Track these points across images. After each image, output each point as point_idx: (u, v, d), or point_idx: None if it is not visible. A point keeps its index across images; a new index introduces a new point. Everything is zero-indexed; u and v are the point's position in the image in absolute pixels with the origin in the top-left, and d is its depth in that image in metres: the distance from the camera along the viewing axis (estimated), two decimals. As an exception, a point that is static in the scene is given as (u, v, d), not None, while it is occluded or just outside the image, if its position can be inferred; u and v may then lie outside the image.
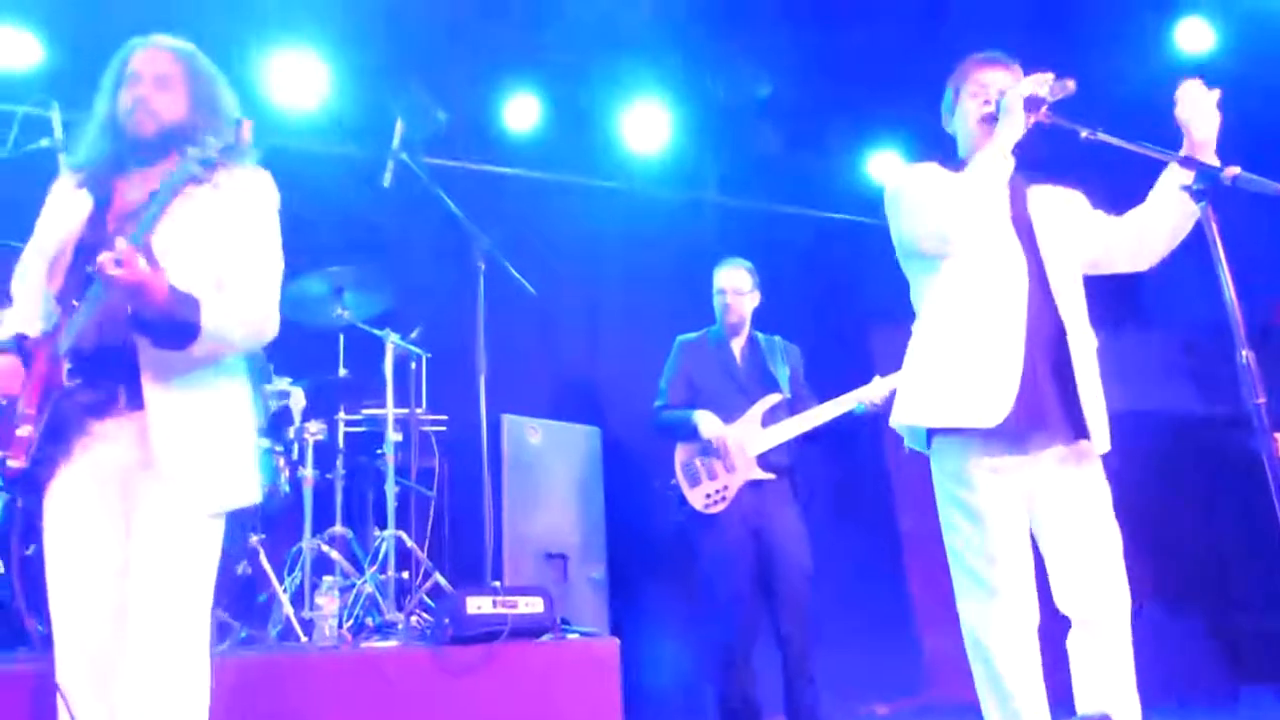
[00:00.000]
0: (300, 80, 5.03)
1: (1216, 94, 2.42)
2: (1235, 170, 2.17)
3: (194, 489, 2.13)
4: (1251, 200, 2.14)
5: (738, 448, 4.04)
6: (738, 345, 4.30)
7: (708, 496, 4.01)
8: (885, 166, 6.00)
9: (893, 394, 3.98)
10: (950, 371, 2.53)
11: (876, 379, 4.07)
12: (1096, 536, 2.49)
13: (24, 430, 2.06)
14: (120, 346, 2.11)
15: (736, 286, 4.28)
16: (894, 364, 4.16)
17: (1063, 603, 2.49)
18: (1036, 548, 2.55)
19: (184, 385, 2.15)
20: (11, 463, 2.06)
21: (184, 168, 2.06)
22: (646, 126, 5.66)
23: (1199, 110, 2.41)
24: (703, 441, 4.06)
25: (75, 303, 2.08)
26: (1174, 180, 2.47)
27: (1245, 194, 2.14)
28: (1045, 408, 2.47)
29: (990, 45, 2.76)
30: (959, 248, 2.53)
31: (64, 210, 2.27)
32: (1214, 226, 2.14)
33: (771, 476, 4.04)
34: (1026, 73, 2.56)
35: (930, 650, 5.42)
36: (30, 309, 2.26)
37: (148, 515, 2.10)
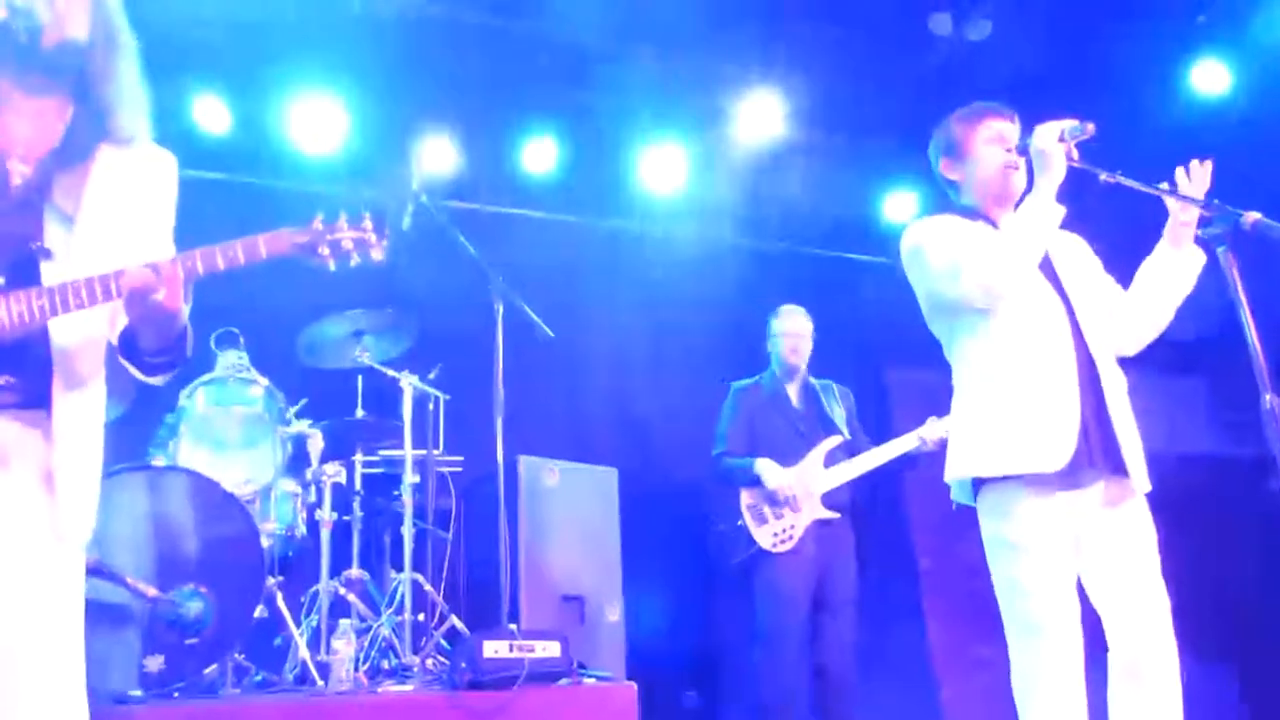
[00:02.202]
0: (321, 125, 5.11)
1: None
2: (1255, 216, 2.17)
3: (83, 511, 1.79)
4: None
5: (803, 488, 4.12)
6: (793, 390, 4.40)
7: (775, 535, 4.08)
8: (901, 211, 6.04)
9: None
10: (1008, 420, 2.50)
11: (931, 419, 4.14)
12: (1140, 580, 2.45)
13: None
14: (37, 336, 1.76)
15: (800, 331, 4.40)
16: (910, 404, 4.22)
17: (1111, 650, 2.46)
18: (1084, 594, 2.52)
19: (85, 391, 1.83)
20: None
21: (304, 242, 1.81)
22: (664, 168, 5.70)
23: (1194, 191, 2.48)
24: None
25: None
26: (1163, 260, 2.57)
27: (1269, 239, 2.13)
28: (1093, 448, 2.46)
29: (1008, 89, 2.78)
30: (1006, 300, 2.52)
31: None
32: (1235, 271, 2.14)
33: (837, 515, 4.14)
34: (1044, 119, 2.56)
35: (948, 695, 5.34)
36: None
37: (29, 538, 1.73)
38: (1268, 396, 2.02)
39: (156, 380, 1.95)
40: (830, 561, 4.11)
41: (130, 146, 1.94)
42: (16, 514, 1.74)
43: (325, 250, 1.83)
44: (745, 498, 4.17)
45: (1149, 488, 2.53)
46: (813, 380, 4.44)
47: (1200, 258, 2.56)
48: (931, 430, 4.12)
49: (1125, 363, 2.64)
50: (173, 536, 3.30)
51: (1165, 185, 2.51)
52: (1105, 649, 2.47)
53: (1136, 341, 2.66)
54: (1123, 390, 2.56)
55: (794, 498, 4.09)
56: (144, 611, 3.17)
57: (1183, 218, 2.54)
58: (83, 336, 1.84)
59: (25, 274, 1.75)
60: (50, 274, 1.76)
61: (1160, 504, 2.57)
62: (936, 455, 3.83)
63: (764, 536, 4.09)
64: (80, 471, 1.81)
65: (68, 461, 1.78)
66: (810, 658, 4.08)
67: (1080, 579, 2.50)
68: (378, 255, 1.88)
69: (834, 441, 4.24)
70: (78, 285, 1.73)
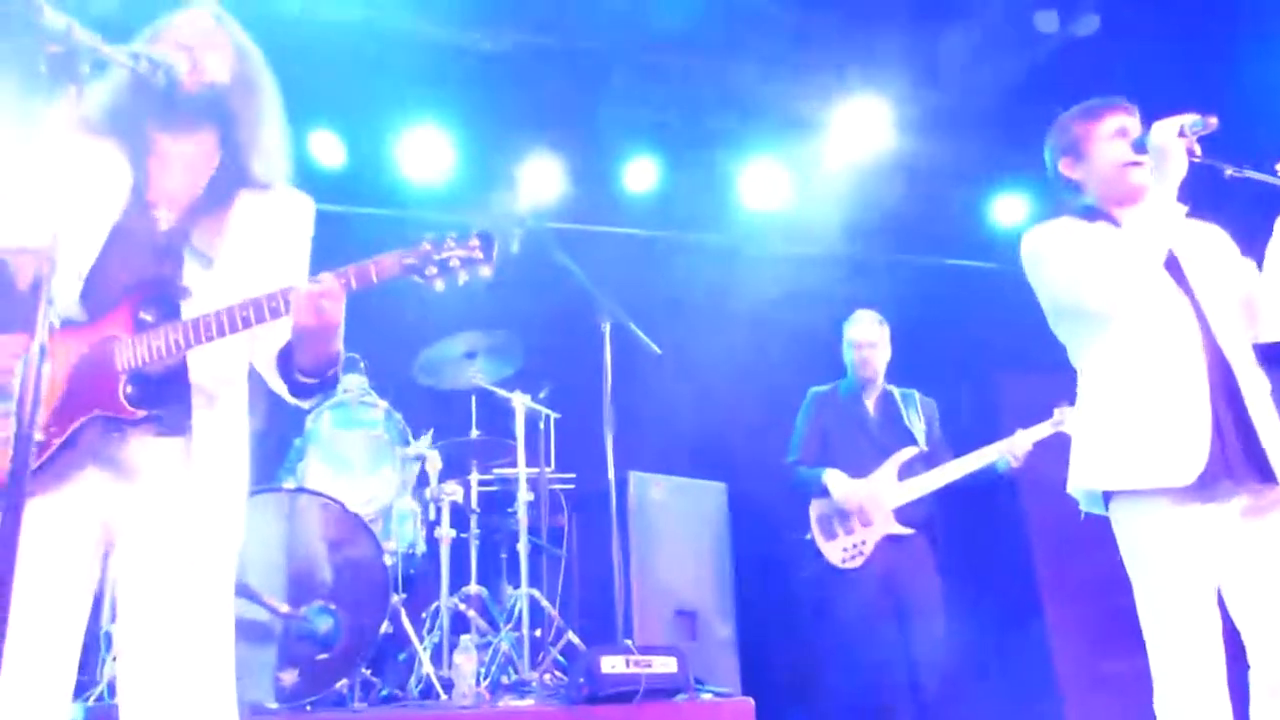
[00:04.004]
0: (429, 155, 5.30)
1: None
2: None
3: (229, 533, 1.92)
4: None
5: (873, 502, 3.96)
6: (871, 398, 4.24)
7: (844, 551, 3.94)
8: (1010, 214, 5.92)
9: (1033, 448, 3.90)
10: (1134, 430, 2.42)
11: (1019, 432, 3.94)
12: None
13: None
14: (179, 366, 1.89)
15: (868, 339, 4.23)
16: (1022, 412, 4.06)
17: (1253, 668, 2.35)
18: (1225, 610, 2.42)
19: (226, 418, 1.96)
20: None
21: (407, 260, 1.84)
22: (765, 182, 5.72)
23: None
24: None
25: (145, 314, 1.85)
26: None
27: None
28: (1230, 456, 2.36)
29: (1120, 86, 2.70)
30: (1131, 302, 2.46)
31: (93, 179, 1.92)
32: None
33: (910, 531, 3.96)
34: (1161, 115, 2.48)
35: (1073, 714, 5.15)
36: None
37: (181, 561, 1.85)
38: None
39: (305, 403, 2.05)
40: (906, 580, 3.91)
41: (268, 191, 2.06)
42: (167, 538, 1.86)
43: (433, 270, 1.86)
44: (815, 509, 4.03)
45: None
46: (893, 389, 4.28)
47: None
48: (1017, 444, 3.91)
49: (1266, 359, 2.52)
50: (303, 556, 3.44)
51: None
52: (1248, 666, 2.37)
53: (1276, 327, 2.52)
54: (1264, 392, 2.43)
55: (863, 510, 3.94)
56: (279, 628, 3.32)
57: None
58: (222, 366, 1.96)
59: (168, 312, 1.88)
60: (189, 312, 1.88)
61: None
62: (1049, 460, 3.67)
63: (832, 552, 3.94)
64: (225, 495, 1.93)
65: (212, 486, 1.90)
66: (904, 678, 3.90)
67: (1221, 593, 2.40)
68: (486, 273, 1.89)
69: (909, 453, 4.06)
70: (236, 310, 1.81)
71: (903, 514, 3.98)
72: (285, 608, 3.33)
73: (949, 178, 5.76)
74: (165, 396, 1.87)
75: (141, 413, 1.82)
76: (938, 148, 5.51)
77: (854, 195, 5.65)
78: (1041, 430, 3.92)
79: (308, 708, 3.31)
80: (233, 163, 2.04)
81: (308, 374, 1.95)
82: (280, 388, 2.03)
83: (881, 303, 4.52)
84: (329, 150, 5.17)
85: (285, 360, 1.98)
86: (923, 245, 6.06)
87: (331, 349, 1.91)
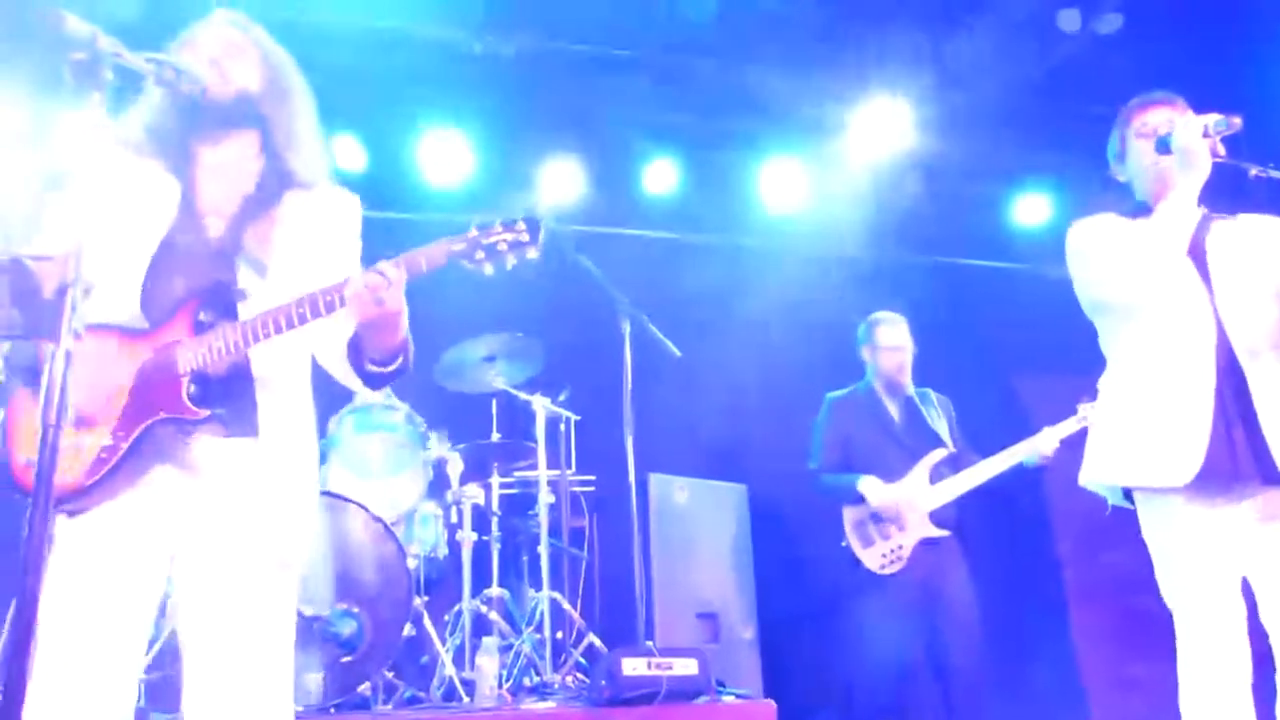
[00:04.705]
0: (450, 159, 5.31)
1: None
2: None
3: (298, 534, 1.95)
4: None
5: (909, 506, 3.93)
6: (894, 401, 4.20)
7: (883, 556, 3.91)
8: (1032, 214, 5.88)
9: (1061, 444, 3.87)
10: (1140, 427, 2.43)
11: (1045, 430, 3.91)
12: None
13: (97, 440, 1.81)
14: (241, 366, 1.91)
15: (903, 343, 4.20)
16: (1046, 413, 4.03)
17: None
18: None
19: (292, 418, 1.99)
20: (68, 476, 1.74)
21: (456, 246, 1.85)
22: (784, 183, 5.70)
23: None
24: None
25: (204, 315, 1.88)
26: None
27: None
28: (1238, 458, 2.35)
29: (1144, 86, 2.69)
30: (1147, 299, 2.46)
31: (143, 194, 1.97)
32: None
33: (946, 534, 3.94)
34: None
35: (1098, 717, 5.11)
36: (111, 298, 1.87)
37: (247, 563, 1.87)
38: None
39: (377, 395, 2.05)
40: (942, 582, 3.89)
41: (312, 190, 2.08)
42: (236, 538, 1.87)
43: (481, 255, 1.87)
44: (849, 516, 3.99)
45: None
46: (910, 389, 4.23)
47: None
48: (1044, 441, 3.88)
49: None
50: (327, 559, 3.46)
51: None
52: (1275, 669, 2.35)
53: None
54: (1277, 393, 2.42)
55: (900, 516, 3.91)
56: (304, 631, 3.33)
57: None
58: (284, 363, 1.98)
59: (226, 313, 1.91)
60: (246, 313, 1.91)
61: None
62: (1075, 460, 3.64)
63: (871, 558, 3.91)
64: (293, 496, 1.94)
65: (279, 486, 1.92)
66: (936, 685, 3.89)
67: (1246, 591, 2.39)
68: (533, 255, 1.89)
69: (939, 455, 4.02)
70: (292, 306, 1.83)
71: (935, 516, 3.96)
72: (310, 610, 3.35)
73: (969, 178, 5.74)
74: (228, 395, 1.89)
75: (205, 412, 1.85)
76: (958, 148, 5.49)
77: (874, 196, 5.63)
78: (1067, 427, 3.89)
79: (331, 710, 3.33)
80: (274, 166, 2.06)
81: (378, 363, 1.98)
82: (351, 381, 2.05)
83: (902, 303, 4.50)
84: (350, 155, 5.19)
85: (355, 352, 2.00)
86: (943, 246, 6.02)
87: (398, 337, 1.93)
